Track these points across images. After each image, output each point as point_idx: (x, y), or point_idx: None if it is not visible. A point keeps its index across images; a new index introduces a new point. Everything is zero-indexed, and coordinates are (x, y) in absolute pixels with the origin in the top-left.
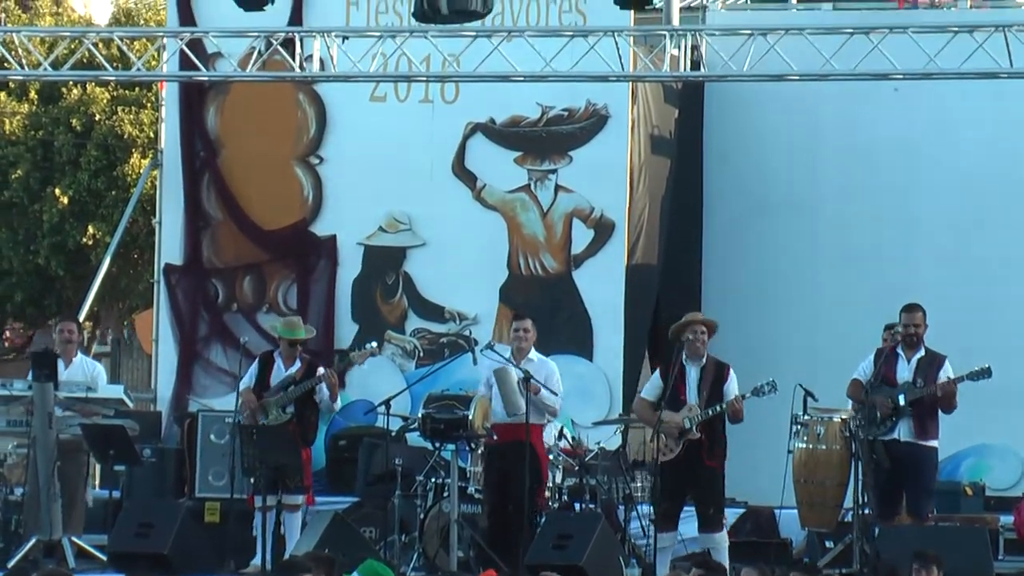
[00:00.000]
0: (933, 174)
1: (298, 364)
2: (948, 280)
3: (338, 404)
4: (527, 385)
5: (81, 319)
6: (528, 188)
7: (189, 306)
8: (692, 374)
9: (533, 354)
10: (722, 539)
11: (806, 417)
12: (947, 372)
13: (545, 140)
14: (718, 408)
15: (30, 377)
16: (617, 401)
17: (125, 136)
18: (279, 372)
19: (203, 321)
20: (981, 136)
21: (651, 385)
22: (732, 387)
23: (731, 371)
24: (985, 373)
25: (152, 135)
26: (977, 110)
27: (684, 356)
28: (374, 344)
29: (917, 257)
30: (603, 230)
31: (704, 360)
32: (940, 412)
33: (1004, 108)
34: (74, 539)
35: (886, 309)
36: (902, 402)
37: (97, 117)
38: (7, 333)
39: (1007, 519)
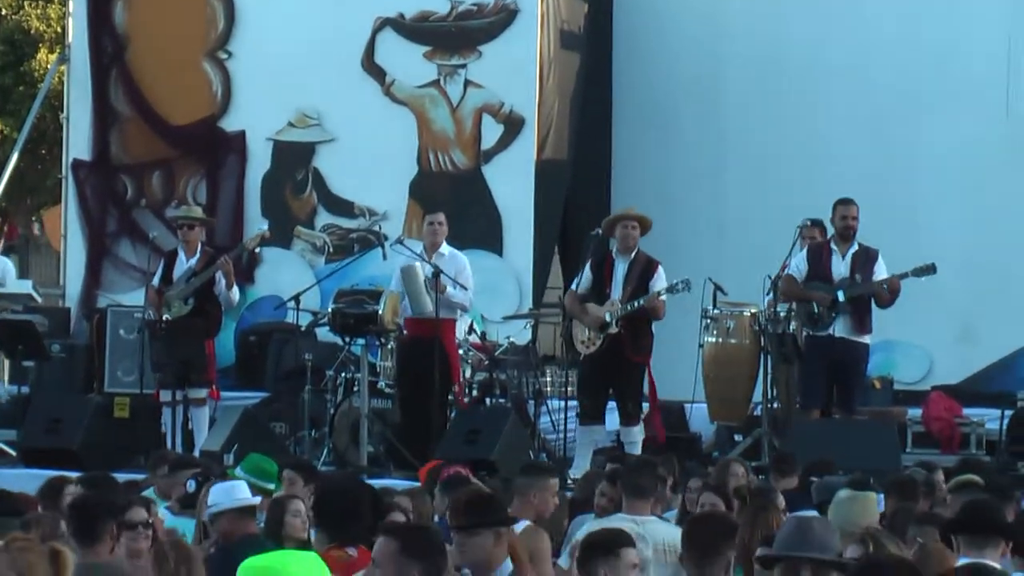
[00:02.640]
0: (840, 78)
1: (199, 255)
2: (855, 181)
3: (235, 295)
4: (436, 281)
5: None
6: (437, 83)
7: (98, 202)
8: (620, 268)
9: (445, 248)
10: (638, 432)
11: (716, 311)
12: (881, 267)
13: (454, 35)
14: (637, 303)
15: None
16: (527, 296)
17: (32, 31)
18: (181, 266)
19: (112, 217)
20: (887, 41)
21: (583, 279)
22: (658, 283)
23: (659, 267)
24: (929, 270)
25: (59, 30)
26: (884, 17)
27: (615, 250)
28: (264, 228)
29: (824, 158)
30: (513, 125)
31: (633, 255)
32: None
33: (910, 15)
34: None
35: (793, 206)
36: (841, 298)
37: (3, 11)
38: None
39: (915, 412)
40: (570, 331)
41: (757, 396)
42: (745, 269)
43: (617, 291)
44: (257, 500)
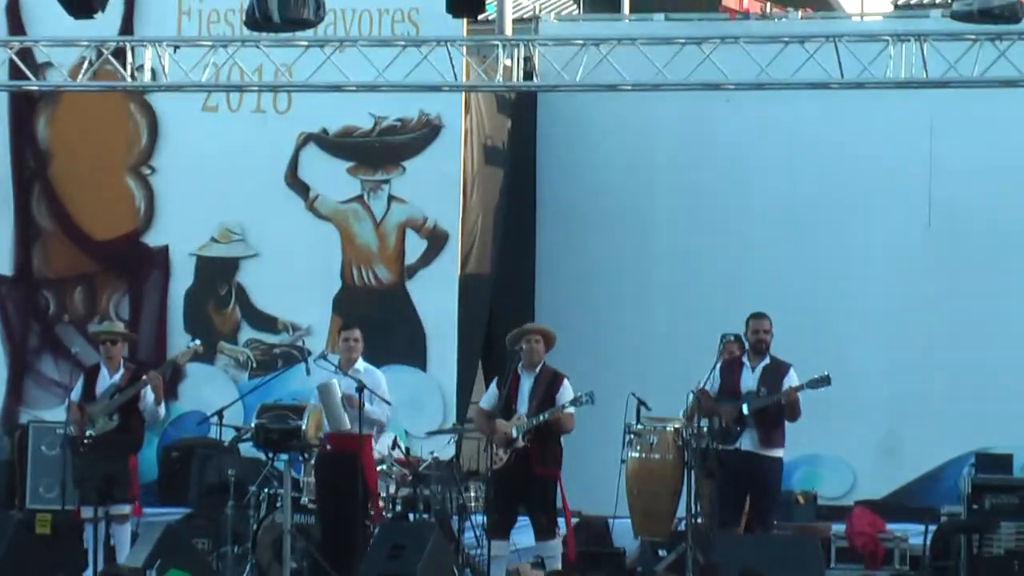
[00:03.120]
0: (765, 184)
1: (122, 371)
2: (780, 291)
3: (162, 410)
4: (360, 395)
5: None
6: (361, 199)
7: (19, 317)
8: (526, 383)
9: (360, 363)
10: (556, 546)
11: (639, 426)
12: (791, 380)
13: (378, 150)
14: (543, 417)
15: None
16: (451, 411)
17: None
18: (104, 381)
19: (34, 332)
20: (811, 146)
21: (488, 394)
22: (563, 397)
23: (565, 381)
24: (824, 381)
25: None
26: (808, 120)
27: (520, 365)
28: (197, 342)
29: (749, 268)
30: (436, 240)
31: (539, 369)
32: (786, 421)
33: (834, 119)
34: None
35: (717, 319)
36: (745, 411)
37: None
38: None
39: (839, 527)
40: (458, 447)
41: (681, 511)
42: (670, 383)
43: (523, 406)
44: None
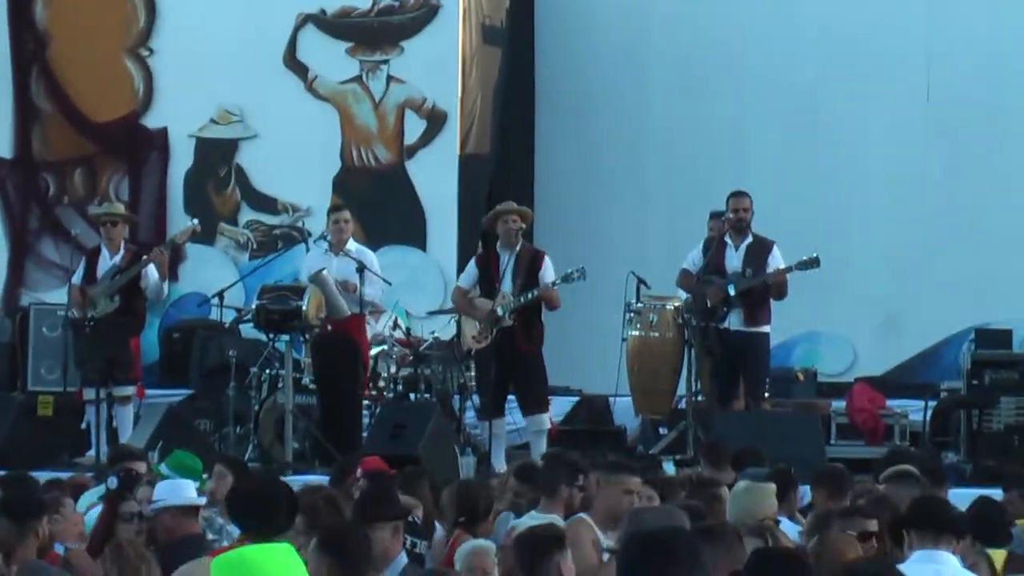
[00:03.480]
0: (762, 66)
1: (123, 252)
2: (779, 173)
3: (166, 288)
4: (360, 275)
5: None
6: (360, 79)
7: (19, 200)
8: (506, 262)
9: (352, 244)
10: (543, 420)
11: (639, 305)
12: (776, 258)
13: (376, 30)
14: (531, 295)
15: None
16: (451, 291)
17: None
18: (105, 263)
19: (34, 215)
20: (808, 30)
21: (466, 274)
22: (547, 274)
23: (546, 258)
24: (813, 263)
25: None
26: (805, 5)
27: (498, 244)
28: (195, 222)
29: (747, 151)
30: (435, 120)
31: (519, 248)
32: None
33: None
34: None
35: (714, 201)
36: (731, 292)
37: None
38: None
39: (839, 404)
40: (459, 327)
41: (681, 389)
42: (668, 262)
43: (507, 284)
44: (202, 500)
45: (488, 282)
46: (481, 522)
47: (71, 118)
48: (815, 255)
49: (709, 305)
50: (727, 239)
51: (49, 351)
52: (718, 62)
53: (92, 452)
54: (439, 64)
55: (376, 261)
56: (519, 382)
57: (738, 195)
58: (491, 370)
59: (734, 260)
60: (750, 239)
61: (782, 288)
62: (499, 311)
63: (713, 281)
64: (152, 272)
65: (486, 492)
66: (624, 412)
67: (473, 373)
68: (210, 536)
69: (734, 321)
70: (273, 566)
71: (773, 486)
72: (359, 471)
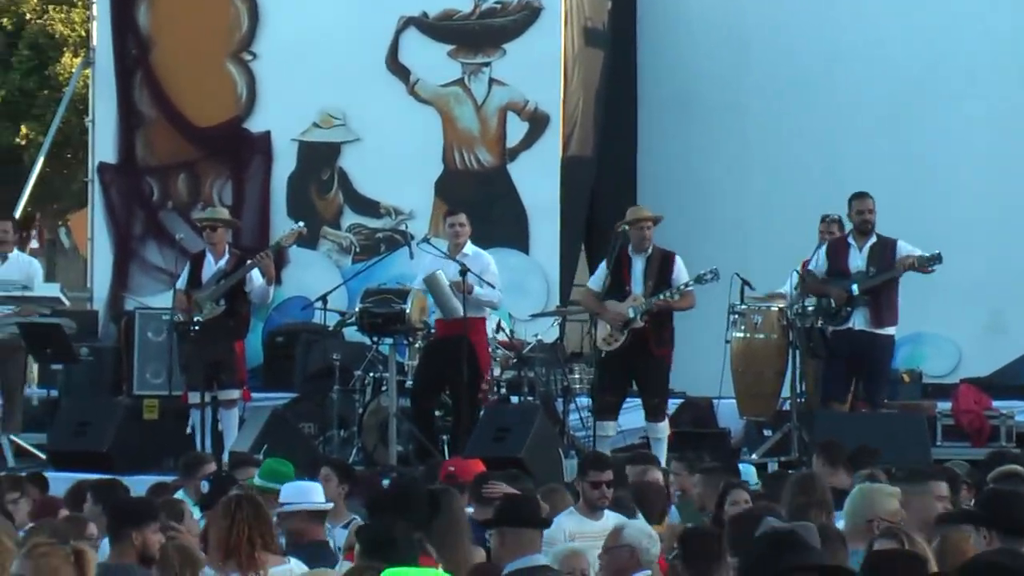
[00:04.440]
0: (862, 62)
1: (227, 256)
2: (879, 170)
3: (271, 292)
4: (464, 280)
5: (15, 219)
6: (462, 82)
7: (124, 205)
8: (638, 265)
9: (468, 247)
10: (664, 428)
11: (743, 306)
12: (903, 249)
13: (478, 33)
14: (664, 295)
15: None
16: (554, 293)
17: (56, 35)
18: (209, 267)
19: (138, 220)
20: (904, 22)
21: (597, 276)
22: (680, 275)
23: (677, 259)
24: (936, 260)
25: (84, 34)
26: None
27: (630, 247)
28: (300, 224)
29: (847, 148)
30: (538, 123)
31: (650, 251)
32: (897, 298)
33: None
34: (13, 438)
35: (816, 199)
36: (855, 291)
37: (28, 16)
38: None
39: (944, 405)
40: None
41: (785, 391)
42: (770, 263)
43: (638, 286)
44: (330, 505)
45: (619, 284)
46: (655, 523)
47: (175, 123)
48: (937, 252)
49: (832, 306)
50: (850, 240)
51: (154, 355)
52: (818, 61)
53: None
54: (541, 66)
55: (492, 263)
56: (647, 386)
57: (861, 196)
58: (614, 372)
59: (858, 260)
60: (874, 239)
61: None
62: (630, 313)
63: (837, 282)
64: (257, 276)
65: (661, 494)
66: (728, 414)
67: (576, 376)
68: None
69: (859, 321)
70: None
71: (894, 489)
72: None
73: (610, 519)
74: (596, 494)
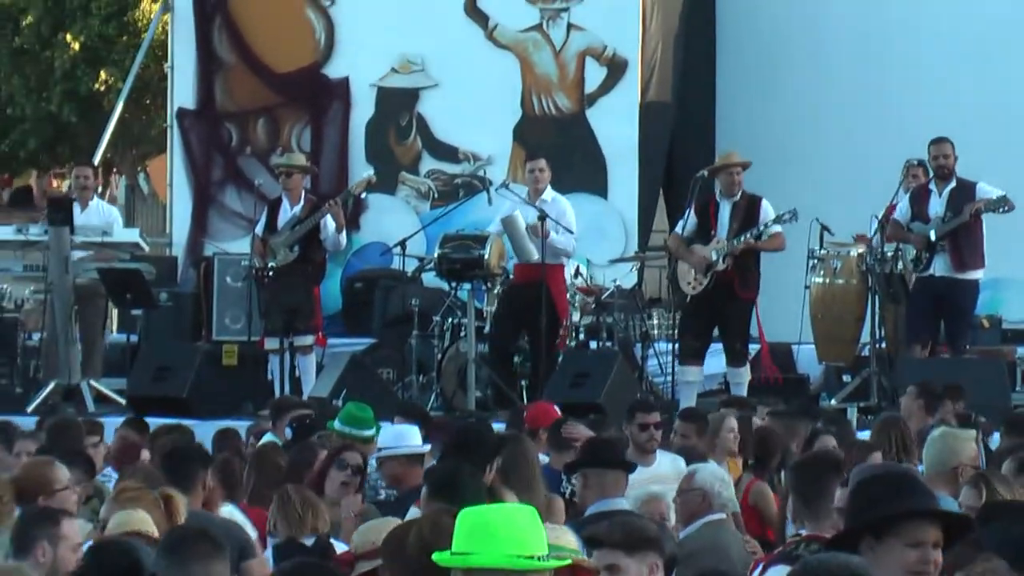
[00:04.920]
0: (943, 11)
1: (303, 202)
2: (959, 114)
3: (343, 239)
4: (542, 225)
5: (95, 165)
6: (540, 27)
7: (203, 150)
8: (724, 210)
9: (548, 193)
10: (745, 373)
11: (822, 252)
12: (983, 191)
13: None
14: (746, 237)
15: (46, 222)
16: (632, 239)
17: None
18: (285, 213)
19: (217, 165)
20: None
21: (685, 220)
22: (767, 215)
23: (764, 201)
24: (1003, 203)
25: None
26: None
27: (718, 193)
28: (370, 173)
29: (927, 91)
30: (616, 68)
31: (738, 196)
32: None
33: None
34: (92, 383)
35: (895, 144)
36: (932, 238)
37: None
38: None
39: None
40: (675, 272)
41: (865, 336)
42: (850, 209)
43: (723, 230)
44: (427, 448)
45: (705, 229)
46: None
47: (254, 68)
48: (1004, 194)
49: (913, 253)
50: (931, 186)
51: (233, 301)
52: (902, 3)
53: None
54: (619, 11)
55: (570, 209)
56: (729, 330)
57: (938, 142)
58: (698, 316)
59: (937, 206)
60: (954, 184)
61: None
62: (712, 255)
63: (917, 228)
64: (329, 223)
65: (781, 441)
66: (807, 360)
67: (655, 322)
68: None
69: (940, 267)
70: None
71: (971, 432)
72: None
73: (663, 462)
74: (644, 436)
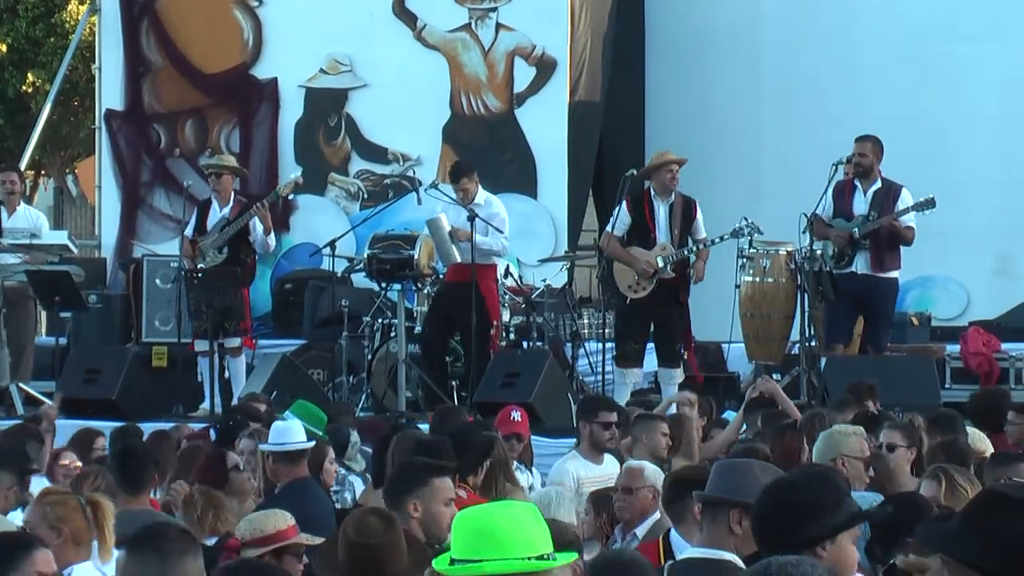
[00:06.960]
0: (875, 9)
1: (232, 204)
2: (890, 114)
3: (272, 240)
4: (472, 225)
5: (23, 168)
6: (469, 27)
7: (131, 152)
8: (661, 211)
9: (480, 196)
10: (680, 374)
11: (752, 251)
12: (905, 200)
13: None
14: (691, 248)
15: None
16: (562, 239)
17: None
18: (215, 215)
19: (146, 167)
20: None
21: (619, 221)
22: (701, 225)
23: (698, 208)
24: (929, 204)
25: None
26: None
27: (653, 192)
28: (298, 174)
29: (859, 92)
30: (545, 68)
31: (672, 197)
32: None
33: None
34: (22, 386)
35: (827, 144)
36: (856, 235)
37: None
38: None
39: (953, 348)
40: (610, 273)
41: (795, 335)
42: (781, 207)
43: (663, 235)
44: (311, 444)
45: (643, 231)
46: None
47: (182, 70)
48: (931, 196)
49: (835, 249)
50: (856, 183)
51: (163, 303)
52: (832, 2)
53: (206, 404)
54: (548, 11)
55: (502, 209)
56: (668, 333)
57: (859, 140)
58: (638, 319)
59: (861, 204)
60: (878, 184)
61: (899, 233)
62: (660, 263)
63: (840, 225)
64: (257, 225)
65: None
66: (738, 359)
67: (585, 321)
68: (335, 488)
69: (861, 265)
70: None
71: (856, 428)
72: None
73: (609, 462)
74: (607, 434)
